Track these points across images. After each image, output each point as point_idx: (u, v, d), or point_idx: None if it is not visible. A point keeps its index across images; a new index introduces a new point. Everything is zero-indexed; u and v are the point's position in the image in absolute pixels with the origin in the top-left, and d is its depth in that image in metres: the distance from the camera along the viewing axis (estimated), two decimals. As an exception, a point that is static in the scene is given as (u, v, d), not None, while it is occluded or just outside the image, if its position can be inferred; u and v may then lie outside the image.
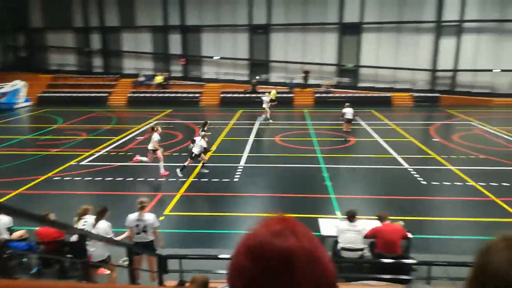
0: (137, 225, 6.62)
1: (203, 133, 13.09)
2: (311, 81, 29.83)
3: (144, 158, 12.80)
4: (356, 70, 29.83)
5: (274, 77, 31.07)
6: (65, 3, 31.83)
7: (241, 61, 31.10)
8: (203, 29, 30.86)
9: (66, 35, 32.72)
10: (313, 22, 29.36)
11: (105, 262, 6.38)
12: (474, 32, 27.65)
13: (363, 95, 28.26)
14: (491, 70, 27.73)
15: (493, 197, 10.62)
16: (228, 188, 11.68)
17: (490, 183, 11.61)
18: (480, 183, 11.64)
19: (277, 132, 19.29)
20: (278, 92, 28.71)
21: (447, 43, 27.98)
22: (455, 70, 28.32)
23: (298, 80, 29.49)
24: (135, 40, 31.89)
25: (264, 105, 21.68)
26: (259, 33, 30.37)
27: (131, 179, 12.50)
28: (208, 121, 15.41)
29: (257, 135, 18.76)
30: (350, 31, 29.12)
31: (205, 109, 27.49)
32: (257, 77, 29.84)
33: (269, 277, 0.80)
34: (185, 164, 12.55)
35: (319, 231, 7.20)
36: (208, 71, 31.67)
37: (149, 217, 6.69)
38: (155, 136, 12.41)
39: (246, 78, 30.85)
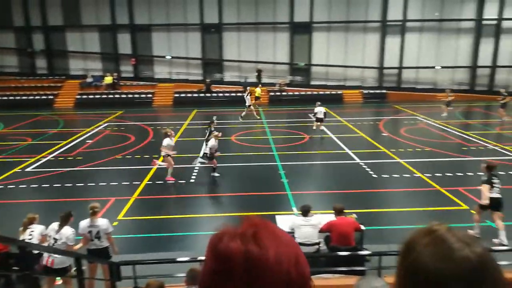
0: (89, 232, 6.37)
1: (216, 133, 12.72)
2: (265, 80, 30.08)
3: (163, 164, 12.44)
4: (308, 69, 30.50)
5: (228, 76, 31.03)
6: (3, 1, 29.82)
7: (194, 60, 30.76)
8: (154, 28, 30.17)
9: (6, 35, 30.66)
10: (265, 22, 29.64)
11: (66, 271, 6.08)
12: (417, 31, 29.21)
13: (315, 93, 28.94)
14: (433, 67, 29.45)
15: (438, 187, 11.28)
16: (185, 190, 11.52)
17: (435, 174, 12.32)
18: (426, 174, 12.32)
19: (233, 131, 19.29)
20: (233, 92, 28.83)
21: (392, 42, 29.33)
22: (400, 68, 29.76)
23: (252, 79, 29.63)
24: (82, 39, 30.52)
25: (248, 103, 22.06)
26: (212, 32, 30.18)
27: (81, 184, 11.98)
28: (215, 120, 15.31)
29: (212, 135, 18.64)
30: (301, 30, 29.71)
31: (158, 110, 26.92)
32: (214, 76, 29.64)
33: (217, 279, 0.83)
34: (213, 166, 12.33)
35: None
36: (160, 71, 31.00)
37: (102, 222, 6.45)
38: (165, 141, 11.93)
39: (199, 78, 30.57)
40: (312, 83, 30.46)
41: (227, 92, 28.94)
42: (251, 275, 0.81)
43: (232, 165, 13.76)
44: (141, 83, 30.44)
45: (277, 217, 7.72)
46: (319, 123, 17.71)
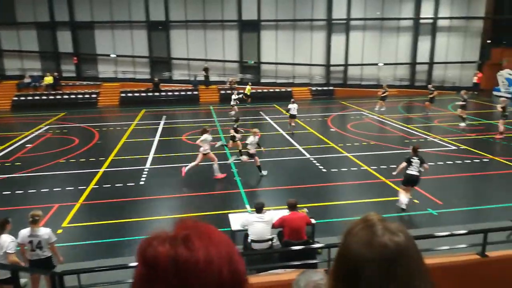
0: (30, 242, 5.96)
1: (255, 129, 12.69)
2: (215, 78, 29.93)
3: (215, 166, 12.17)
4: (258, 67, 30.71)
5: (177, 74, 30.49)
6: None
7: (141, 58, 29.87)
8: (96, 25, 28.87)
9: None
10: (213, 19, 29.44)
11: (7, 282, 5.61)
12: (360, 29, 30.39)
13: (265, 90, 29.22)
14: (376, 64, 30.79)
15: (383, 179, 11.81)
16: (134, 192, 11.14)
17: (381, 166, 12.89)
18: (372, 167, 12.85)
19: (184, 130, 18.97)
20: (183, 90, 28.39)
21: (338, 40, 30.29)
22: (346, 65, 30.81)
23: (202, 77, 29.34)
24: (17, 38, 28.52)
25: (233, 103, 22.21)
26: (159, 29, 29.46)
27: (21, 191, 11.20)
28: (239, 117, 15.30)
29: (162, 135, 18.22)
30: (250, 29, 29.83)
31: (103, 111, 25.84)
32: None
33: (146, 284, 0.83)
34: (257, 164, 12.21)
35: (230, 227, 7.27)
36: (105, 70, 29.74)
37: (44, 231, 6.07)
38: (204, 136, 11.76)
39: (147, 76, 29.75)
40: (262, 80, 30.71)
41: (177, 90, 28.42)
42: (180, 278, 0.80)
43: (183, 165, 13.52)
44: (85, 83, 29.04)
45: (229, 215, 7.69)
46: (292, 119, 18.12)
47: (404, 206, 9.41)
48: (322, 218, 8.81)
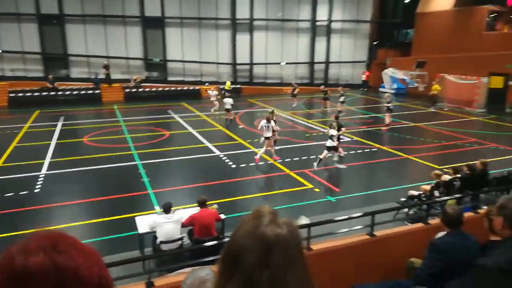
0: None
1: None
2: (119, 76, 28.49)
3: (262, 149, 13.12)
4: (164, 64, 30.01)
5: (76, 72, 28.37)
6: None
7: (32, 55, 27.14)
8: (-26, 16, 25.50)
9: None
10: (114, 15, 27.97)
11: None
12: (263, 29, 31.48)
13: (173, 88, 28.69)
14: (279, 63, 32.20)
15: (288, 171, 12.50)
16: (28, 202, 10.17)
17: (285, 159, 13.61)
18: (278, 161, 13.50)
19: (85, 132, 17.77)
20: (83, 89, 26.54)
21: (243, 39, 30.98)
22: (251, 64, 31.68)
23: (103, 75, 27.70)
24: None
25: (212, 99, 22.09)
26: (53, 23, 27.04)
27: None
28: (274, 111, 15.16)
29: (60, 137, 16.86)
30: (154, 25, 28.98)
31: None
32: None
33: None
34: (321, 156, 12.43)
35: (137, 230, 7.09)
36: (-13, 67, 26.44)
37: None
38: (272, 122, 12.97)
39: (40, 74, 27.15)
40: (170, 78, 30.10)
41: (76, 89, 26.41)
42: (64, 286, 0.78)
43: (86, 168, 12.72)
44: (-38, 81, 25.50)
45: (136, 218, 7.48)
46: (228, 112, 19.23)
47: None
48: (232, 213, 9.04)
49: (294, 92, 24.86)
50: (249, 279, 0.91)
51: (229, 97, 19.90)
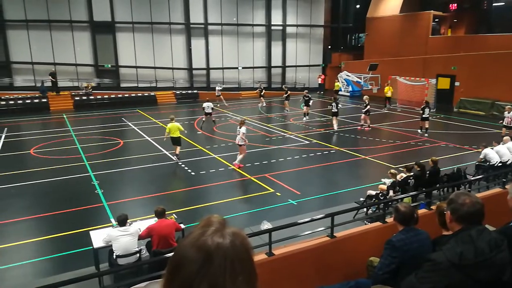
0: None
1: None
2: (67, 84, 27.24)
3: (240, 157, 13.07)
4: (116, 70, 29.06)
5: (20, 80, 26.80)
6: None
7: (-30, 62, 25.37)
8: None
9: None
10: (60, 19, 26.76)
11: None
12: (218, 34, 31.36)
13: (127, 95, 27.85)
14: (236, 68, 32.19)
15: (249, 176, 12.41)
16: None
17: (246, 165, 13.50)
18: (239, 168, 13.36)
19: (32, 143, 16.75)
20: (28, 98, 25.12)
21: (198, 44, 30.70)
22: (208, 69, 31.43)
23: (50, 83, 26.37)
24: None
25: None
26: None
27: None
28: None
29: (3, 150, 15.78)
30: (104, 30, 28.02)
31: None
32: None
33: None
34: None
35: (91, 245, 6.70)
36: None
37: None
38: (243, 129, 12.79)
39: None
40: (123, 85, 29.19)
41: (20, 99, 24.93)
42: None
43: (34, 182, 11.95)
44: None
45: (91, 232, 7.07)
46: (208, 117, 19.42)
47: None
48: (193, 221, 8.78)
49: (262, 93, 25.83)
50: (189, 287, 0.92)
51: (207, 101, 19.93)
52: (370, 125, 19.22)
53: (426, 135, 17.61)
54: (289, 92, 24.71)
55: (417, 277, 2.41)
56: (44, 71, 26.53)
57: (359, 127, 19.29)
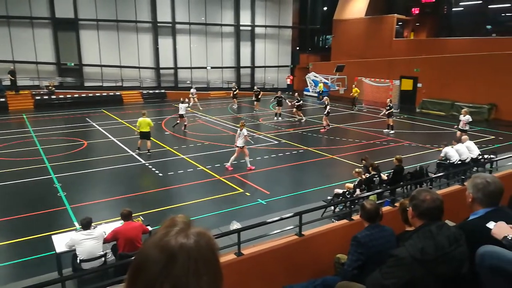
0: None
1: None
2: (27, 82, 26.11)
3: (232, 157, 12.94)
4: (80, 69, 28.14)
5: (-25, 79, 25.44)
6: None
7: None
8: None
9: None
10: (20, 16, 25.61)
11: None
12: (186, 33, 31.01)
13: (91, 94, 27.03)
14: (205, 68, 31.94)
15: (218, 176, 12.34)
16: None
17: (215, 165, 13.42)
18: (207, 166, 13.28)
19: (-12, 145, 15.94)
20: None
21: (165, 43, 30.23)
22: (176, 68, 31.01)
23: (7, 81, 25.18)
24: None
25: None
26: None
27: None
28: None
29: (-42, 152, 14.93)
30: (66, 27, 27.07)
31: None
32: None
33: None
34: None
35: (54, 250, 6.44)
36: None
37: None
38: (245, 131, 12.76)
39: None
40: (87, 84, 28.29)
41: (-24, 98, 23.67)
42: None
43: (-9, 186, 11.37)
44: None
45: (53, 237, 6.80)
46: (182, 119, 18.69)
47: None
48: (160, 224, 8.62)
49: (235, 93, 25.69)
50: None
51: (183, 102, 19.09)
52: (328, 126, 19.31)
53: (391, 132, 18.12)
54: (261, 92, 24.76)
55: (381, 273, 2.47)
56: (3, 69, 25.29)
57: (321, 129, 19.43)
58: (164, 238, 0.94)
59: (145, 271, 0.91)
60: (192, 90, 26.07)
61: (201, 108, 25.24)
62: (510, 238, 2.26)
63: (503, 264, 2.22)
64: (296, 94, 23.00)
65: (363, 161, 10.76)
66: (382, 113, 19.03)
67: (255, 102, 24.67)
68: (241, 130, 12.95)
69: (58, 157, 14.39)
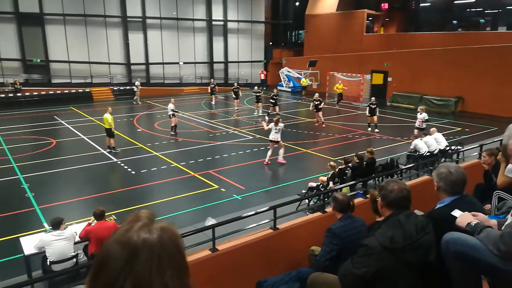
0: None
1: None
2: (-10, 80, 25.03)
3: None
4: (47, 65, 27.19)
5: None
6: None
7: None
8: None
9: None
10: (-19, 9, 24.47)
11: None
12: (157, 28, 30.47)
13: (59, 92, 26.18)
14: (177, 63, 31.52)
15: (192, 173, 12.23)
16: None
17: (189, 161, 13.31)
18: (181, 163, 13.15)
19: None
20: None
21: (136, 38, 29.61)
22: (147, 64, 30.45)
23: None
24: None
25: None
26: None
27: None
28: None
29: None
30: (31, 22, 26.06)
31: None
32: None
33: None
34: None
35: (22, 252, 6.23)
36: None
37: None
38: (281, 125, 13.04)
39: None
40: (54, 81, 27.39)
41: None
42: None
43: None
44: None
45: (21, 239, 6.57)
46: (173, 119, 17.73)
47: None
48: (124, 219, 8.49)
49: (214, 90, 25.42)
50: (112, 286, 0.87)
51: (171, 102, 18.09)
52: (320, 121, 19.32)
53: (376, 130, 17.77)
54: (240, 88, 24.00)
55: (353, 262, 2.52)
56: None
57: (316, 124, 19.47)
58: (127, 234, 0.92)
59: (107, 268, 0.89)
60: (136, 83, 25.74)
61: (139, 103, 25.37)
62: (473, 225, 2.35)
63: (467, 249, 2.31)
64: (256, 87, 22.96)
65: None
66: (366, 113, 18.11)
67: (235, 100, 23.74)
68: (276, 125, 13.01)
69: (25, 156, 13.90)
